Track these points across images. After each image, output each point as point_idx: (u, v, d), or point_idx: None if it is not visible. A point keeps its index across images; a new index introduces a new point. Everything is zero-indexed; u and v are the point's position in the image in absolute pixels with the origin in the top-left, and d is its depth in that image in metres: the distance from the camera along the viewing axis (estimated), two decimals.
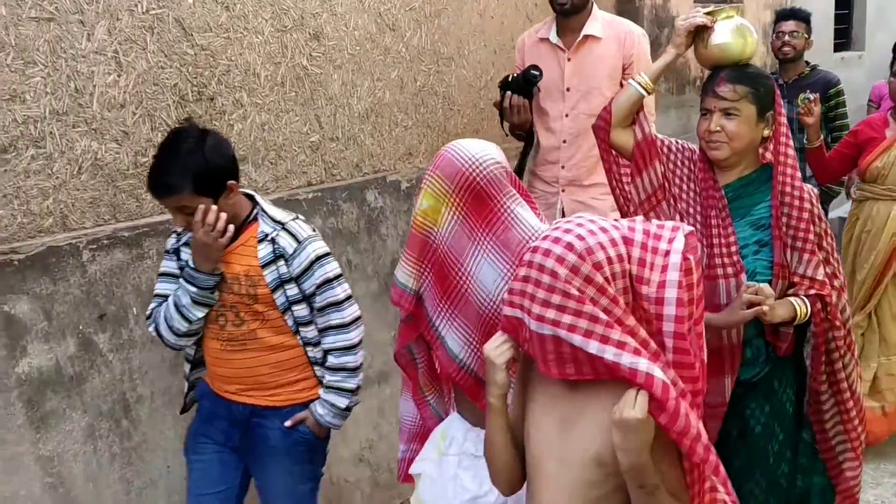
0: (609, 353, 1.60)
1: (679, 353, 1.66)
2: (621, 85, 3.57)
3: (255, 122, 3.32)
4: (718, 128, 2.43)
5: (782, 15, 5.04)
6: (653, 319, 1.66)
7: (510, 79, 3.69)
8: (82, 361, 2.81)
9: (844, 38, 8.81)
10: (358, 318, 2.68)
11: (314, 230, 2.66)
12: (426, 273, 2.31)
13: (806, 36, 4.89)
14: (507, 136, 3.84)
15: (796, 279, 2.46)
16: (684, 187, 2.58)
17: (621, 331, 1.62)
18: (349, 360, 2.65)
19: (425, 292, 2.34)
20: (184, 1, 3.02)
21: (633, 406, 1.58)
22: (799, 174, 2.48)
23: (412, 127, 4.03)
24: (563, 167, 3.82)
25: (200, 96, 3.11)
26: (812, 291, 2.44)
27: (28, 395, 2.66)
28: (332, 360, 2.66)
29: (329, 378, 2.66)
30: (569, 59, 3.74)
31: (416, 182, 3.98)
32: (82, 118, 2.77)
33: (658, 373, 1.59)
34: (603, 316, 1.60)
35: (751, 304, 2.34)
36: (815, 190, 2.51)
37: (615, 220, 1.73)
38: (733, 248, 2.45)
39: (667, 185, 2.58)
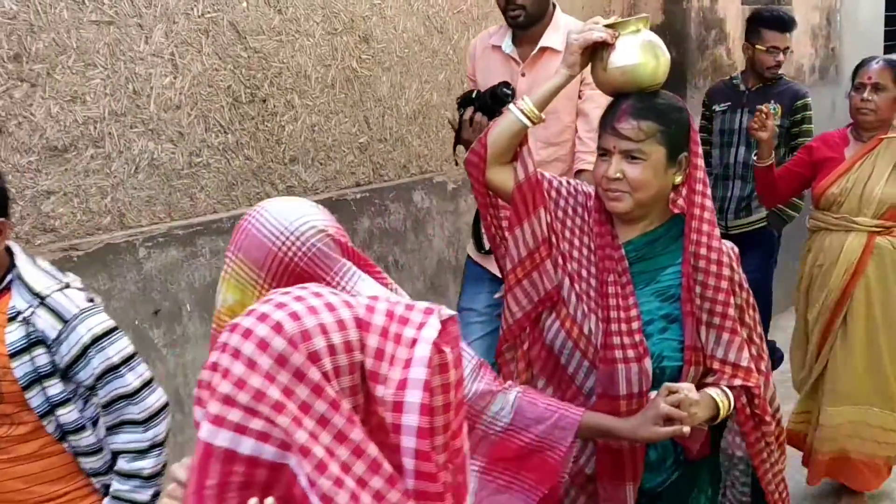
0: (303, 479, 1.14)
1: (422, 479, 1.21)
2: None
3: (306, 124, 3.37)
4: (619, 174, 1.90)
5: (772, 22, 4.11)
6: (390, 430, 1.21)
7: (475, 95, 2.97)
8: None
9: (895, 39, 8.67)
10: (159, 412, 2.08)
11: (91, 300, 2.06)
12: None
13: (791, 50, 4.24)
14: (455, 164, 3.10)
15: (716, 365, 1.95)
16: (576, 242, 2.03)
17: (338, 454, 1.16)
18: (144, 465, 2.06)
19: None
20: (238, 5, 3.08)
21: None
22: (717, 231, 1.97)
23: None
24: None
25: (253, 98, 3.17)
26: (737, 381, 1.94)
27: None
28: (122, 464, 2.07)
29: (117, 486, 2.07)
30: (523, 74, 3.03)
31: (462, 183, 4.00)
32: (140, 119, 2.85)
33: None
34: (300, 436, 1.13)
35: (669, 417, 1.80)
36: (736, 250, 2.03)
37: (352, 296, 1.27)
38: (635, 325, 1.92)
39: (553, 238, 2.01)
